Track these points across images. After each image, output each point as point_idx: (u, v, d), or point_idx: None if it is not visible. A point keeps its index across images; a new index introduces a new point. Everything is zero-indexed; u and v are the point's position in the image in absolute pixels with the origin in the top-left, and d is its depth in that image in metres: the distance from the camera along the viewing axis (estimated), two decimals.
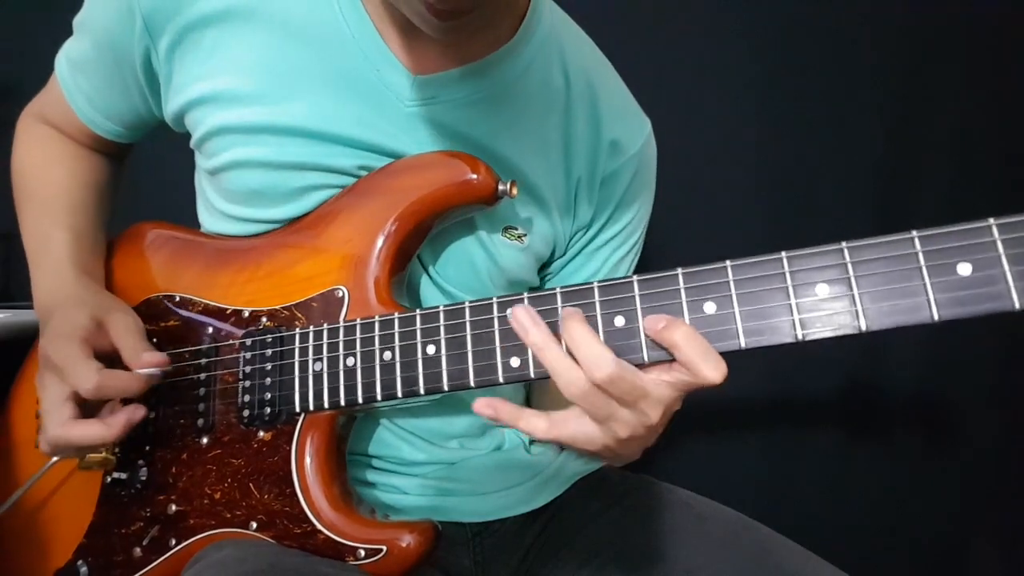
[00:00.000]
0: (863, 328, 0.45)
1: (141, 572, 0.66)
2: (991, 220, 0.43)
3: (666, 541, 0.65)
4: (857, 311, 0.46)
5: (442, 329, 0.57)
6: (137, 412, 0.63)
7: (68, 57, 0.73)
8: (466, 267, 0.68)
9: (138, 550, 0.66)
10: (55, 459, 0.71)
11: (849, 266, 0.46)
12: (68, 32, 0.72)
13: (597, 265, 0.74)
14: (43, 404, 0.62)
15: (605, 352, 0.47)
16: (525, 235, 0.68)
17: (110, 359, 0.64)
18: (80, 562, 0.69)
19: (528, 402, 0.80)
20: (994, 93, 1.11)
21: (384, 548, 0.58)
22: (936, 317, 0.44)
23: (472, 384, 0.56)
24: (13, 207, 0.77)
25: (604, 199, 0.71)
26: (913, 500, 1.16)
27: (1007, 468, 1.14)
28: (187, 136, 0.73)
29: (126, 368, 0.63)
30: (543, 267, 0.75)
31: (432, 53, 0.62)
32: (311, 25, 0.63)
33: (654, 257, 0.80)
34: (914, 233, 0.45)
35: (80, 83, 0.72)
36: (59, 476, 0.73)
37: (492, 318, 0.56)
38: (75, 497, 0.71)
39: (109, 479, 0.69)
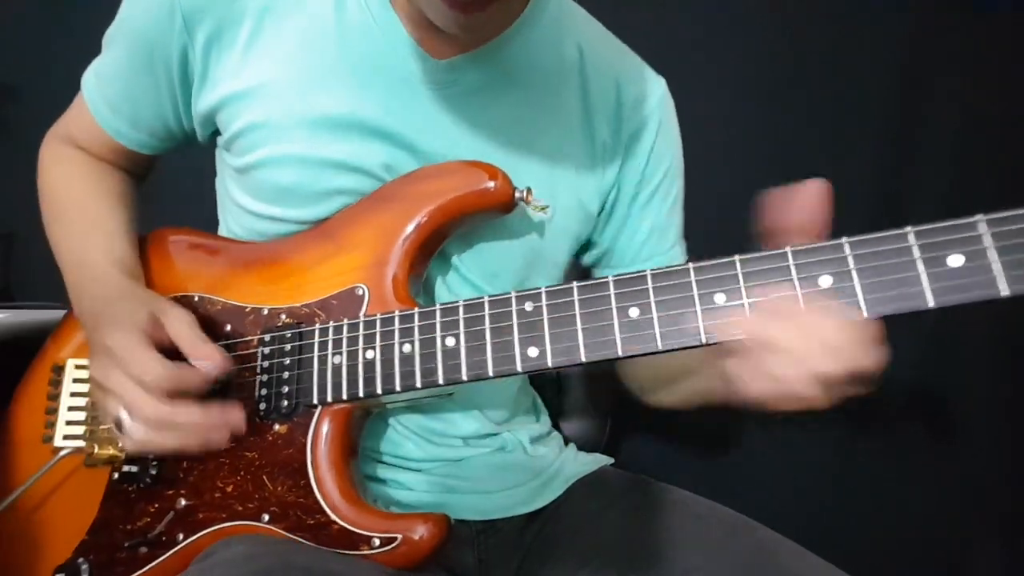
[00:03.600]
0: (865, 315, 0.48)
1: (146, 568, 0.64)
2: (979, 216, 0.46)
3: (665, 541, 0.64)
4: (858, 299, 0.48)
5: (461, 322, 0.58)
6: (235, 413, 0.62)
7: (96, 72, 0.73)
8: (492, 251, 0.69)
9: (143, 546, 0.65)
10: (57, 457, 0.70)
11: (850, 259, 0.49)
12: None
13: (652, 219, 0.75)
14: (122, 396, 0.59)
15: None
16: (548, 206, 0.68)
17: (167, 354, 0.62)
18: (81, 559, 0.67)
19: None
20: (994, 93, 1.12)
21: (399, 537, 0.58)
22: (931, 304, 0.47)
23: (491, 373, 0.56)
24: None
25: (634, 155, 0.72)
26: (913, 499, 1.15)
27: (1008, 467, 1.13)
28: (204, 146, 0.74)
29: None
30: (586, 246, 0.76)
31: (452, 40, 0.64)
32: (338, 18, 0.65)
33: None
34: (909, 228, 0.48)
35: (106, 93, 0.72)
36: (61, 474, 0.71)
37: (511, 311, 0.57)
38: (77, 495, 0.70)
39: (117, 475, 0.68)
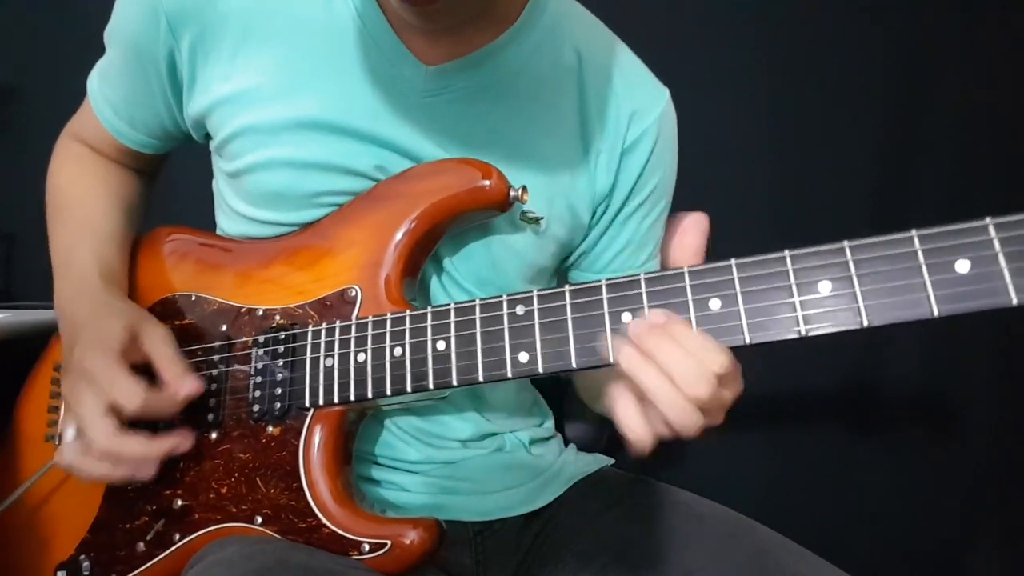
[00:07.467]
0: (865, 324, 0.45)
1: (144, 567, 0.63)
2: (988, 220, 0.43)
3: (666, 542, 0.62)
4: (859, 307, 0.45)
5: (452, 326, 0.56)
6: (186, 442, 0.61)
7: (99, 70, 0.72)
8: (484, 259, 0.67)
9: (141, 545, 0.64)
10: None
11: (851, 264, 0.46)
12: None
13: (630, 233, 0.72)
14: (81, 416, 0.58)
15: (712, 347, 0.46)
16: (542, 218, 0.66)
17: (141, 370, 0.61)
18: (82, 556, 0.66)
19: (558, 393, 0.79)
20: (994, 93, 1.10)
21: (388, 543, 0.56)
22: (936, 313, 0.43)
23: (481, 379, 0.54)
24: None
25: (628, 168, 0.69)
26: (913, 499, 1.13)
27: (1008, 467, 1.12)
28: (203, 144, 0.72)
29: (156, 378, 0.61)
30: (571, 252, 0.73)
31: (443, 45, 0.62)
32: (327, 23, 0.62)
33: None
34: (914, 232, 0.44)
35: (106, 93, 0.71)
36: (63, 473, 0.71)
37: (502, 315, 0.55)
38: (79, 493, 0.69)
39: None
